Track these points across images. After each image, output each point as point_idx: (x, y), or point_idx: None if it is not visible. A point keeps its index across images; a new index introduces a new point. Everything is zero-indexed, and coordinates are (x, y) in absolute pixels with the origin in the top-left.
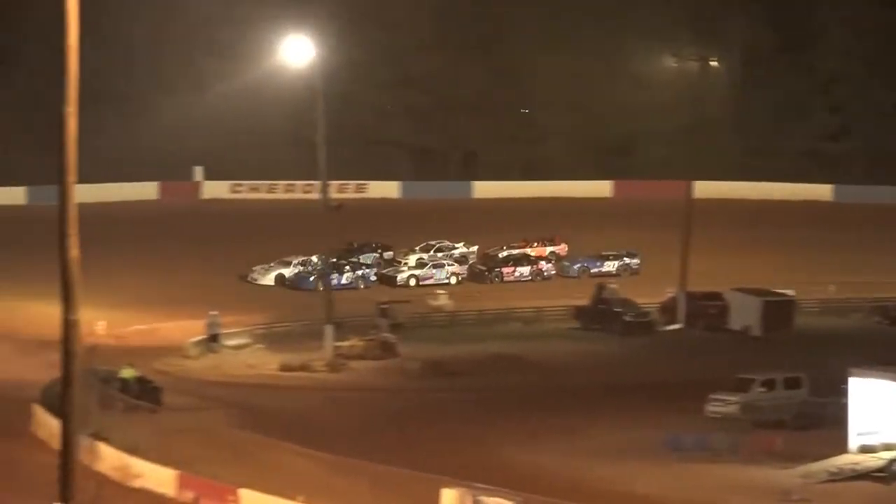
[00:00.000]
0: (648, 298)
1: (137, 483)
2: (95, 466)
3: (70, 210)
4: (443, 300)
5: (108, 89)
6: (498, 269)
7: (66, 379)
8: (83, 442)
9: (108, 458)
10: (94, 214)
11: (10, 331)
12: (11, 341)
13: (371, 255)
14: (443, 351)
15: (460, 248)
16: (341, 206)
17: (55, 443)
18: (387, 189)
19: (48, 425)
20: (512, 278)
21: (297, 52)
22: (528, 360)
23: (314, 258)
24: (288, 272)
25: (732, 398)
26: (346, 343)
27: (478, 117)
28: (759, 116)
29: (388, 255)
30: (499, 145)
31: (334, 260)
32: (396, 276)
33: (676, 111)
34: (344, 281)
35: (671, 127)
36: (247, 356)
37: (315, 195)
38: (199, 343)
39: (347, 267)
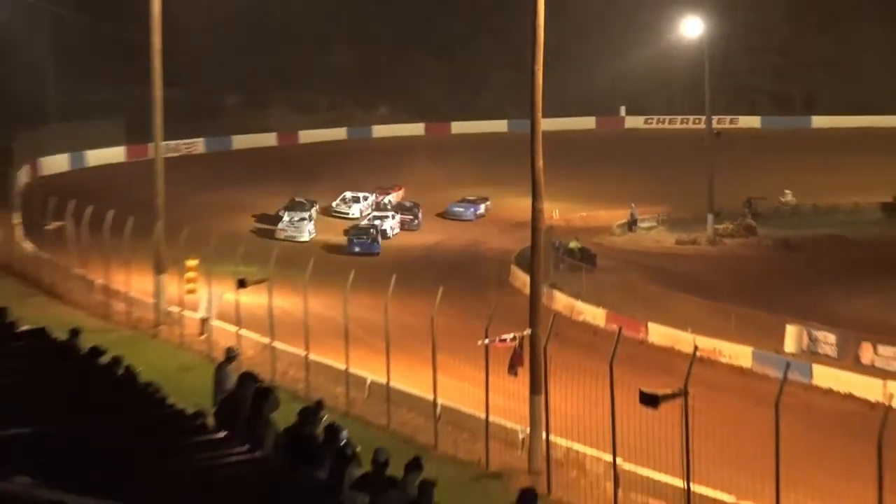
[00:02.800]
0: None
1: (580, 318)
2: (552, 306)
3: (537, 135)
4: (789, 197)
5: (565, 51)
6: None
7: (534, 247)
8: (544, 290)
9: (560, 301)
10: (554, 139)
11: (495, 217)
12: (496, 224)
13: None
14: (788, 232)
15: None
16: (720, 134)
17: (525, 290)
18: (752, 122)
19: (521, 278)
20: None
21: (692, 26)
22: (850, 239)
23: (283, 213)
24: (284, 225)
25: None
26: (721, 226)
27: (818, 72)
28: None
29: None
30: (830, 89)
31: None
32: (386, 231)
33: None
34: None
35: None
36: (654, 234)
37: (701, 126)
38: (621, 225)
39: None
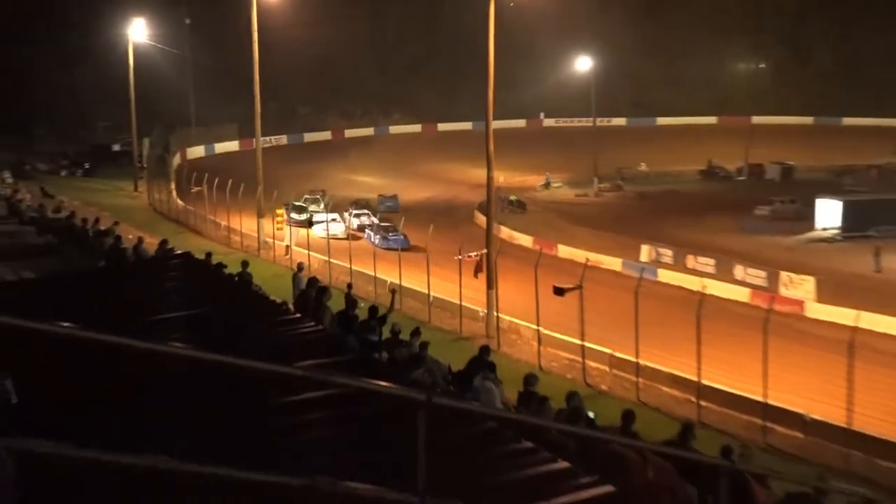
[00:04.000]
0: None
1: (516, 242)
2: (499, 236)
3: (489, 130)
4: (643, 167)
5: (506, 76)
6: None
7: (488, 200)
8: (495, 225)
9: (504, 232)
10: (500, 134)
11: (464, 182)
12: (465, 185)
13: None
14: (643, 188)
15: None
16: (598, 129)
17: (483, 226)
18: (620, 121)
19: (480, 219)
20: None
21: (584, 63)
22: (680, 192)
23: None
24: (324, 225)
25: (766, 207)
26: (602, 185)
27: (660, 89)
28: None
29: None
30: (668, 100)
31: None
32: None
33: None
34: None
35: None
36: (562, 191)
37: (590, 124)
38: (541, 185)
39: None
